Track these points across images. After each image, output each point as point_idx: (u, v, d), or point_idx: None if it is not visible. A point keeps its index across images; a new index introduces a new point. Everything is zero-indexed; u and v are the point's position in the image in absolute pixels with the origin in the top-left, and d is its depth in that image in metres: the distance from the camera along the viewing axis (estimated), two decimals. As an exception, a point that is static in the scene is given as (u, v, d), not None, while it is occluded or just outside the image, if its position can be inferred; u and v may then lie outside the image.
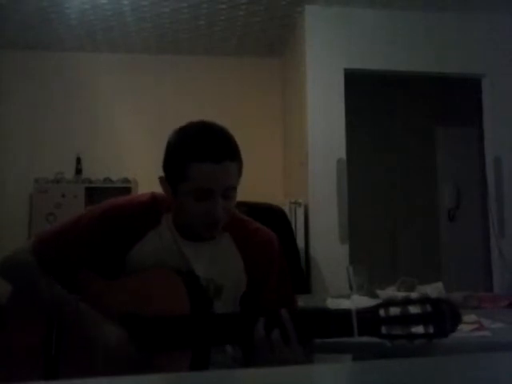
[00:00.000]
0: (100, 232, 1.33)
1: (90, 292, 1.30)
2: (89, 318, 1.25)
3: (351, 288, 2.32)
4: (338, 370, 0.71)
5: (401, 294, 1.97)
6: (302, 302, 1.79)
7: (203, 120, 1.31)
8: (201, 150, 1.23)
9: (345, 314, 1.14)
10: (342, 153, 3.99)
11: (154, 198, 1.38)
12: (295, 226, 3.94)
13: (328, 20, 4.10)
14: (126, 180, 4.72)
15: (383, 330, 1.11)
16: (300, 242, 3.90)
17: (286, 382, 0.63)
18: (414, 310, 1.10)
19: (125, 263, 1.32)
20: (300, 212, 4.00)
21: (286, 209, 3.97)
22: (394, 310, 1.11)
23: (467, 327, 1.63)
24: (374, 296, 2.13)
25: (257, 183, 4.44)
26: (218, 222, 1.28)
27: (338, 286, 3.23)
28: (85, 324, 1.26)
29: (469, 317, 1.73)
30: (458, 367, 0.67)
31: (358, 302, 1.95)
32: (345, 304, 1.97)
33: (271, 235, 1.43)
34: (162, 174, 1.32)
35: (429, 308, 1.10)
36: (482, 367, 0.68)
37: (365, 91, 4.80)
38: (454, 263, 4.94)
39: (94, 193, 4.61)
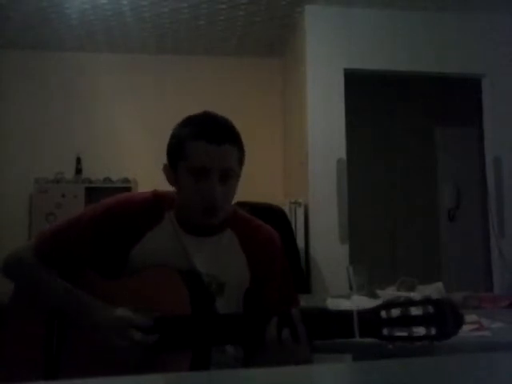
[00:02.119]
0: (103, 229, 1.33)
1: (91, 292, 1.29)
2: (94, 305, 1.25)
3: (351, 288, 2.32)
4: (338, 370, 0.71)
5: (401, 294, 1.97)
6: (302, 302, 1.79)
7: (207, 110, 1.35)
8: (199, 130, 1.26)
9: (346, 315, 1.14)
10: (342, 153, 3.99)
11: (156, 195, 1.39)
12: (295, 226, 3.94)
13: (328, 20, 4.10)
14: (126, 180, 4.73)
15: (384, 331, 1.10)
16: (300, 242, 3.90)
17: (286, 382, 0.63)
18: (415, 311, 1.09)
19: (128, 261, 1.33)
20: (300, 212, 4.00)
21: (286, 209, 3.97)
22: (396, 312, 1.10)
23: (467, 327, 1.63)
24: (374, 296, 2.13)
25: (257, 183, 4.44)
26: (215, 205, 1.27)
27: (337, 285, 3.23)
28: (89, 314, 1.25)
29: (469, 317, 1.72)
30: (458, 367, 0.67)
31: (358, 302, 1.95)
32: (345, 304, 1.97)
33: (273, 233, 1.43)
34: (162, 174, 1.34)
35: (431, 309, 1.09)
36: (481, 367, 0.68)
37: (365, 91, 4.80)
38: (453, 263, 4.93)
39: (93, 193, 4.61)
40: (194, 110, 1.35)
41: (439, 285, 2.20)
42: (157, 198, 1.38)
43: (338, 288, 3.04)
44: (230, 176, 1.28)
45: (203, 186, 1.26)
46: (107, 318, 1.21)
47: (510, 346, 1.53)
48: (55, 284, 1.31)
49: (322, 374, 0.69)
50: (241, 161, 1.31)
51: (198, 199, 1.27)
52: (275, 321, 1.16)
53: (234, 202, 1.38)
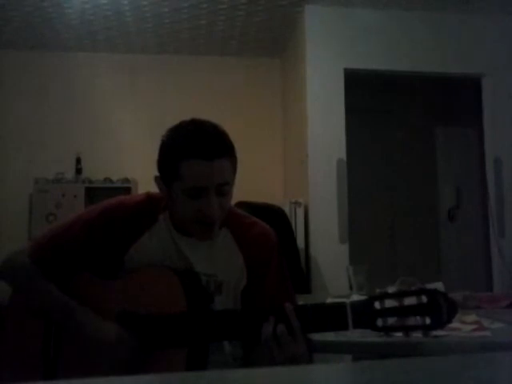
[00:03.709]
0: (97, 233, 1.34)
1: (87, 293, 1.30)
2: (87, 318, 1.25)
3: (351, 288, 2.32)
4: (338, 370, 0.71)
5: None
6: (302, 301, 1.79)
7: (195, 118, 1.31)
8: (192, 148, 1.23)
9: (339, 307, 1.14)
10: (342, 153, 3.99)
11: (149, 197, 1.39)
12: (295, 225, 3.94)
13: (328, 20, 4.10)
14: (126, 180, 4.72)
15: (378, 322, 1.10)
16: (300, 242, 3.90)
17: (285, 382, 0.63)
18: (409, 301, 1.09)
19: (124, 263, 1.33)
20: (300, 212, 4.00)
21: (286, 209, 3.97)
22: (390, 302, 1.10)
23: (467, 327, 1.63)
24: (374, 296, 2.13)
25: (257, 183, 4.44)
26: (213, 221, 1.28)
27: (337, 285, 3.23)
28: (84, 324, 1.25)
29: (469, 317, 1.72)
30: (458, 367, 0.67)
31: (358, 301, 1.95)
32: (345, 304, 1.96)
33: (268, 229, 1.43)
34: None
35: (424, 299, 1.09)
36: (482, 367, 0.68)
37: (365, 91, 4.80)
38: (453, 263, 4.93)
39: (93, 193, 4.61)
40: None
41: (439, 285, 2.20)
42: (150, 199, 1.38)
43: (338, 288, 3.04)
44: (225, 189, 1.27)
45: (201, 204, 1.25)
46: (103, 339, 1.22)
47: (510, 346, 1.53)
48: (51, 294, 1.30)
49: (322, 374, 0.69)
50: (235, 169, 1.30)
51: (196, 216, 1.27)
52: (273, 320, 1.16)
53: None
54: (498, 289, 3.95)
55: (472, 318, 1.73)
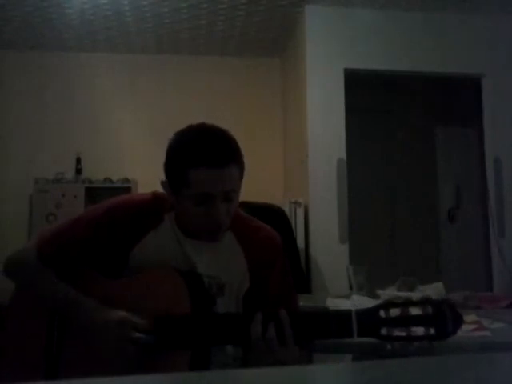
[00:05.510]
0: (102, 231, 1.34)
1: (92, 291, 1.30)
2: (94, 311, 1.25)
3: (351, 288, 2.32)
4: (338, 370, 0.71)
5: (401, 294, 1.98)
6: (301, 301, 1.79)
7: (203, 123, 1.31)
8: (200, 156, 1.23)
9: (344, 314, 1.14)
10: (342, 153, 3.99)
11: (155, 196, 1.39)
12: (295, 225, 3.94)
13: (328, 20, 4.10)
14: (126, 180, 4.72)
15: (383, 331, 1.10)
16: (300, 242, 3.89)
17: (285, 382, 0.63)
18: (414, 311, 1.10)
19: (128, 262, 1.33)
20: (300, 212, 4.00)
21: (286, 209, 3.97)
22: (395, 311, 1.10)
23: (467, 327, 1.63)
24: (374, 296, 2.13)
25: (257, 183, 4.43)
26: (219, 226, 1.28)
27: (338, 285, 3.23)
28: (89, 317, 1.25)
29: (469, 317, 1.72)
30: (457, 367, 0.67)
31: (358, 301, 1.95)
32: (345, 304, 1.97)
33: (273, 232, 1.44)
34: (162, 174, 1.33)
35: (430, 309, 1.09)
36: (481, 367, 0.68)
37: (365, 91, 4.79)
38: (453, 263, 4.93)
39: (94, 193, 4.61)
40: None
41: (439, 285, 2.20)
42: (156, 199, 1.38)
43: (338, 288, 3.04)
44: (232, 195, 1.28)
45: (208, 211, 1.26)
46: (107, 321, 1.21)
47: (510, 346, 1.53)
48: (57, 287, 1.31)
49: (322, 374, 0.69)
50: (242, 175, 1.30)
51: (203, 222, 1.28)
52: (259, 317, 1.16)
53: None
54: (497, 289, 3.95)
55: (472, 317, 1.73)
